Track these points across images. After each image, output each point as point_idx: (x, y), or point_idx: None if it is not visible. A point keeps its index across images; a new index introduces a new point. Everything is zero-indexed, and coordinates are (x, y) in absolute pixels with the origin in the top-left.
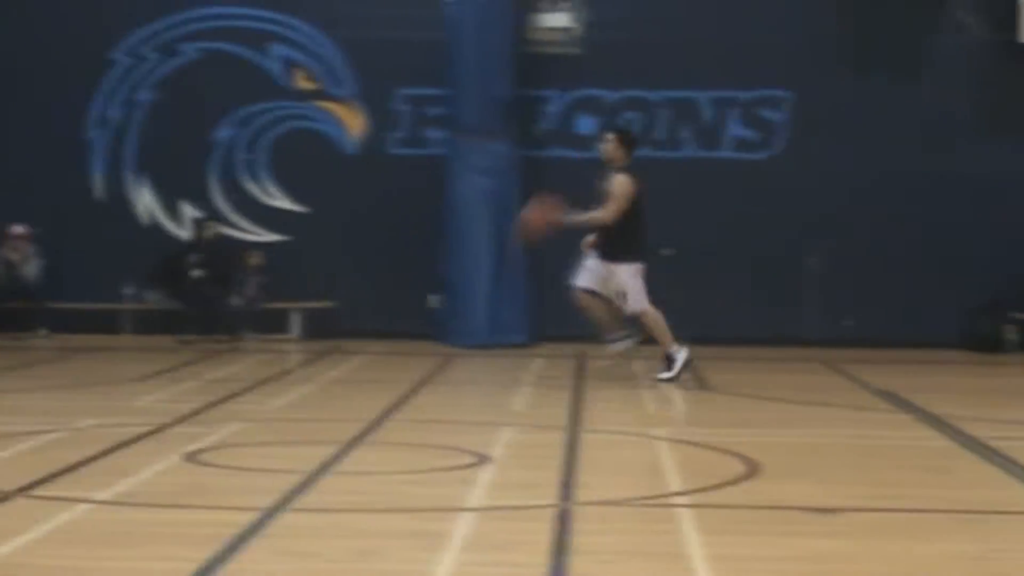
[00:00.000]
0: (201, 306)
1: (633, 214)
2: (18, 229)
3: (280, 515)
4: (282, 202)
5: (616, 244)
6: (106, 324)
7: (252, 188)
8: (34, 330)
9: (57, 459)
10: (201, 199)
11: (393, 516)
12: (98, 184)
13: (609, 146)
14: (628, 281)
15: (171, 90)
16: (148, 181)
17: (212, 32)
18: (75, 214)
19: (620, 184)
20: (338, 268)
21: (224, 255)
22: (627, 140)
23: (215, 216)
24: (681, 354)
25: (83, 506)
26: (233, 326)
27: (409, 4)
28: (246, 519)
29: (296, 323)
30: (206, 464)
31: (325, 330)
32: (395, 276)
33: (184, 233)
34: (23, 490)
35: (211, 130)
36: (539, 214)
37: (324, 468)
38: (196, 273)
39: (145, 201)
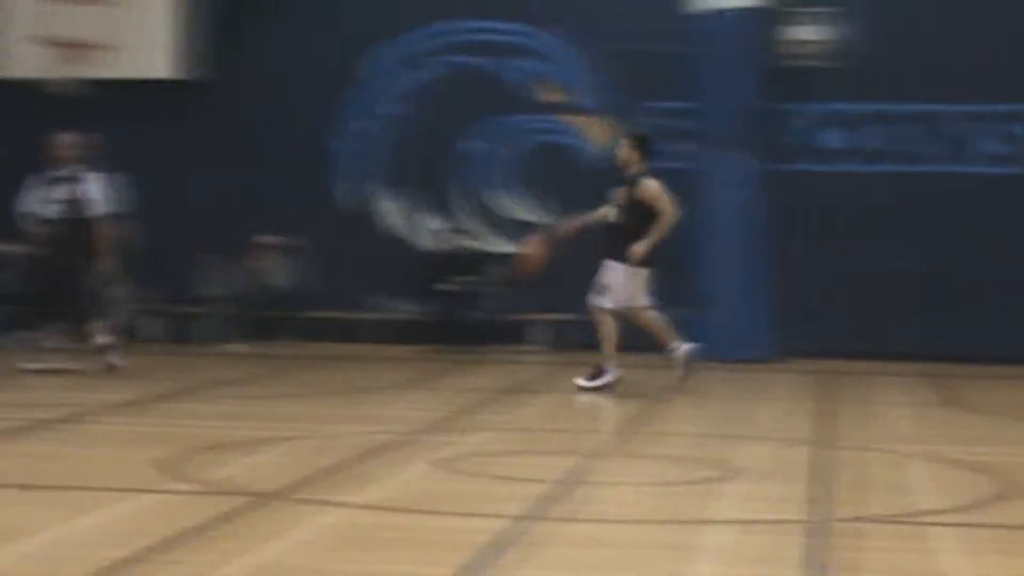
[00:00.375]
0: (448, 317)
1: (645, 218)
2: (269, 239)
3: (532, 524)
4: (528, 214)
5: (623, 247)
6: (353, 333)
7: (497, 200)
8: (287, 339)
9: (312, 464)
10: (446, 211)
11: (644, 527)
12: (344, 196)
13: (624, 150)
14: (617, 280)
15: (417, 103)
16: (394, 193)
17: (459, 46)
18: (322, 225)
19: (653, 187)
20: (584, 280)
21: (469, 267)
22: (642, 143)
23: (460, 228)
24: (612, 375)
25: (340, 511)
26: (480, 337)
27: (656, 16)
28: (498, 527)
29: (543, 334)
30: (457, 472)
31: (571, 341)
32: (654, 288)
33: (429, 244)
34: (281, 494)
35: (456, 143)
36: (538, 249)
37: (573, 478)
38: (443, 285)
39: (391, 213)
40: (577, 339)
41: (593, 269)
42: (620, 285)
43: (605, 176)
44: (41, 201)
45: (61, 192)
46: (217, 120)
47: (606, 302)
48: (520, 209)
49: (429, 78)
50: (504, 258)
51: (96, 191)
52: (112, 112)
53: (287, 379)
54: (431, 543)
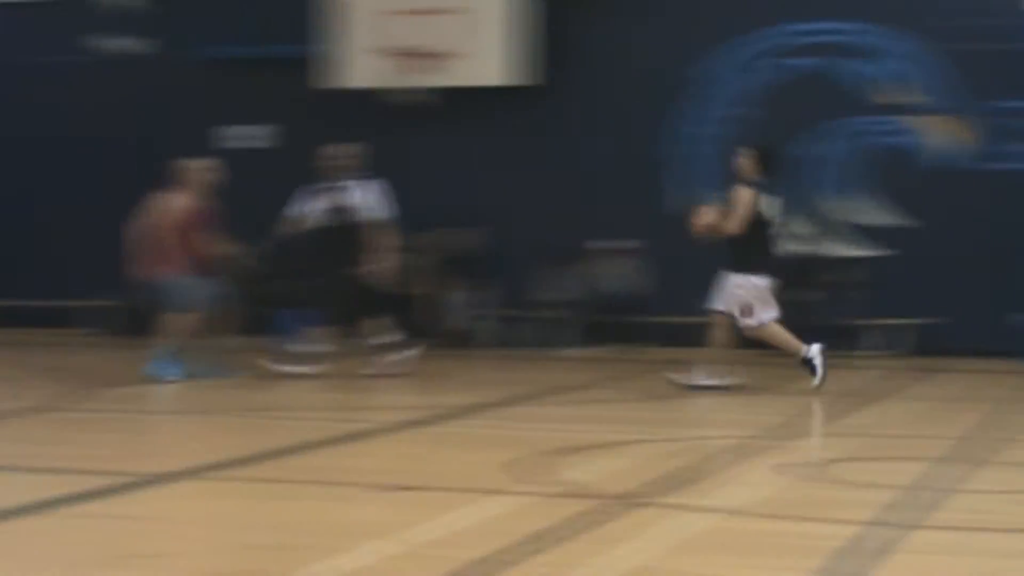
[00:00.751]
0: (796, 322)
1: (759, 228)
2: (604, 244)
3: (885, 530)
4: (873, 217)
5: (742, 257)
6: (686, 337)
7: (841, 204)
8: (623, 344)
9: (661, 468)
10: (787, 216)
11: (1008, 536)
12: (677, 200)
13: (744, 160)
14: (745, 291)
15: (753, 106)
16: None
17: (795, 47)
18: (656, 230)
19: (741, 196)
20: (936, 284)
21: (813, 272)
22: (763, 156)
23: (796, 233)
24: (814, 350)
25: (692, 515)
26: (814, 341)
27: (1004, 14)
28: (850, 532)
29: (894, 339)
30: (805, 477)
31: (926, 347)
32: (995, 292)
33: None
34: (633, 497)
35: (796, 146)
36: (705, 218)
37: (923, 484)
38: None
39: None
40: (932, 344)
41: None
42: (755, 297)
43: (951, 177)
44: (313, 209)
45: (331, 200)
46: (552, 125)
47: (755, 320)
48: (857, 213)
49: (765, 81)
50: (841, 263)
51: (366, 198)
52: (450, 119)
53: (625, 383)
54: (784, 548)
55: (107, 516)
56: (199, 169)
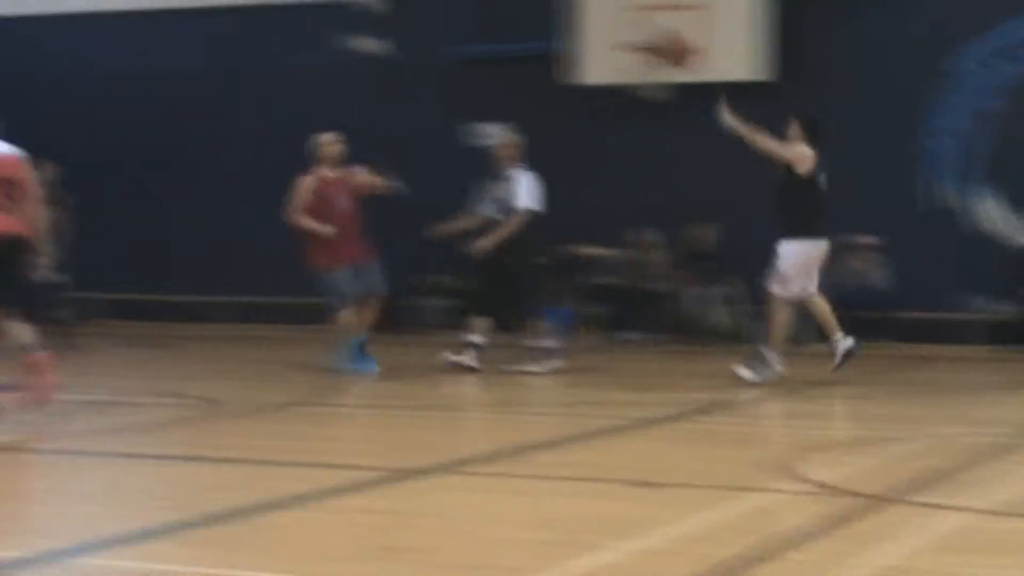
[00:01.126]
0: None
1: (801, 193)
2: (865, 239)
3: None
4: None
5: (788, 220)
6: (952, 334)
7: None
8: (878, 339)
9: (921, 466)
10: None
11: None
12: (941, 193)
13: (791, 130)
14: (786, 258)
15: (1014, 98)
16: (992, 190)
17: None
18: (918, 223)
19: (800, 148)
20: None
21: None
22: (808, 126)
23: None
24: (768, 369)
25: (957, 514)
26: None
27: None
28: None
29: None
30: None
31: None
32: None
33: None
34: (892, 496)
35: None
36: None
37: None
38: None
39: (990, 210)
40: None
41: None
42: (795, 268)
43: None
44: (485, 200)
45: (495, 191)
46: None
47: (778, 287)
48: None
49: (1015, 74)
50: None
51: (521, 190)
52: (688, 115)
53: (880, 379)
54: None
55: (361, 510)
56: (326, 143)
